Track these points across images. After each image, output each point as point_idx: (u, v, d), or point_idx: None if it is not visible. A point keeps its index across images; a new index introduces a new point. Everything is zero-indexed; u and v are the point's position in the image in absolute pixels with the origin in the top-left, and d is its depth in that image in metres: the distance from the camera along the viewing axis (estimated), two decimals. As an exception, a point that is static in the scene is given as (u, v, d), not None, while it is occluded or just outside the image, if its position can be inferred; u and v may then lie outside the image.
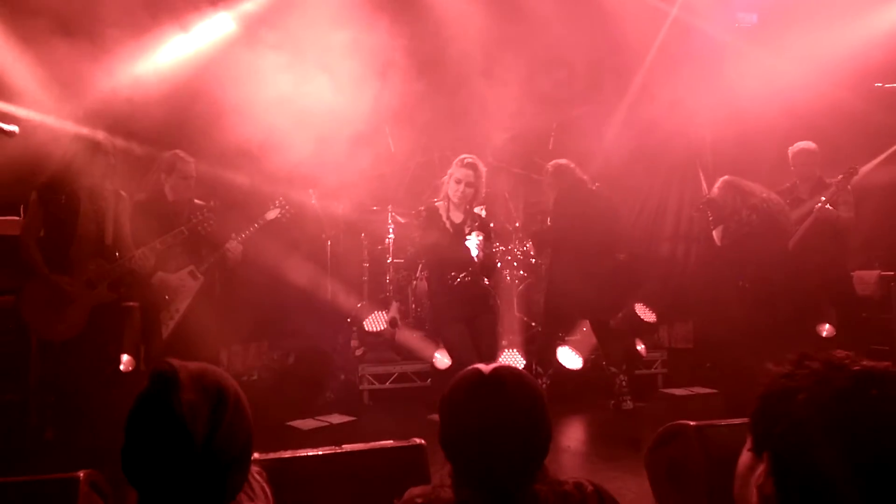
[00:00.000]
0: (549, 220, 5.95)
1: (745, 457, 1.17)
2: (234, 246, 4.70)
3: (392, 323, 4.67)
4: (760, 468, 1.11)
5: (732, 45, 6.97)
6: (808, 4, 6.16)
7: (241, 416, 1.39)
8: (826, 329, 5.65)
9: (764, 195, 5.17)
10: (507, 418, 1.46)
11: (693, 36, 6.98)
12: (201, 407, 1.32)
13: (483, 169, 4.65)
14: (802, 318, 5.30)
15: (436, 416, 4.88)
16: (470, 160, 4.64)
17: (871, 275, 6.06)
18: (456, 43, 6.51)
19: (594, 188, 5.70)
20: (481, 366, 1.56)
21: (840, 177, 5.24)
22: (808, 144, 5.51)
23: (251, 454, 1.44)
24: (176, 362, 1.35)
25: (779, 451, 1.08)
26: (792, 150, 5.55)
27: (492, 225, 5.08)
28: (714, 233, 5.39)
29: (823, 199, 5.22)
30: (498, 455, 1.45)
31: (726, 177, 5.37)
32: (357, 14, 5.93)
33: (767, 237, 5.07)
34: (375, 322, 6.18)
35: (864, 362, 1.08)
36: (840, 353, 1.12)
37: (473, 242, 4.60)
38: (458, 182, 4.59)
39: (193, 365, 1.38)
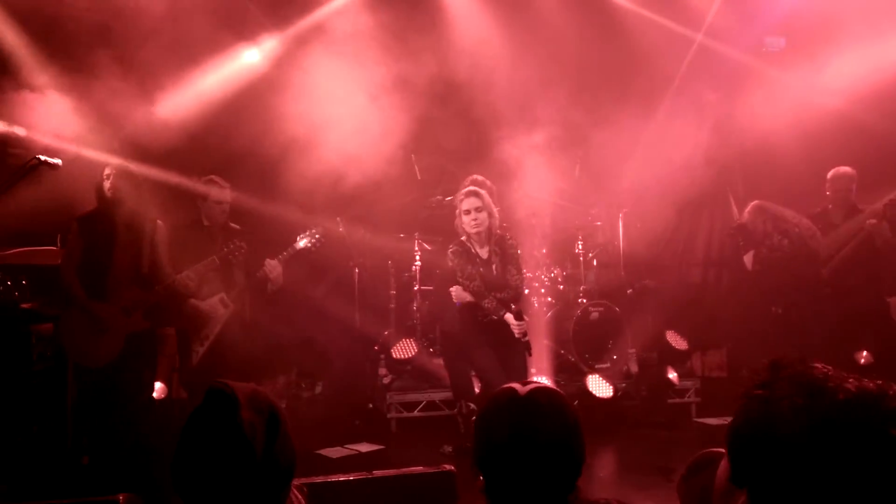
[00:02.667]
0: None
1: (723, 481, 1.16)
2: (274, 267, 4.66)
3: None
4: (741, 500, 1.09)
5: (761, 69, 6.94)
6: (836, 28, 6.12)
7: (288, 433, 1.49)
8: (864, 356, 5.51)
9: (795, 220, 5.09)
10: (540, 437, 1.46)
11: (720, 60, 6.96)
12: (259, 424, 1.42)
13: (488, 187, 4.57)
14: (838, 344, 5.18)
15: (447, 448, 4.82)
16: (470, 189, 4.58)
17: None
18: (483, 71, 6.59)
19: None
20: (517, 385, 1.56)
21: (891, 197, 5.06)
22: (847, 169, 5.42)
23: (294, 471, 1.51)
24: (231, 383, 1.45)
25: (759, 489, 1.05)
26: (831, 174, 5.46)
27: (519, 252, 5.01)
28: (745, 258, 5.31)
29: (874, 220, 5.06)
30: (528, 473, 1.45)
31: (757, 201, 5.29)
32: (382, 43, 6.04)
33: (799, 262, 4.99)
34: (403, 350, 6.17)
35: (848, 384, 1.01)
36: (819, 369, 1.05)
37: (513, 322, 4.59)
38: (468, 213, 4.55)
39: (245, 386, 1.48)
